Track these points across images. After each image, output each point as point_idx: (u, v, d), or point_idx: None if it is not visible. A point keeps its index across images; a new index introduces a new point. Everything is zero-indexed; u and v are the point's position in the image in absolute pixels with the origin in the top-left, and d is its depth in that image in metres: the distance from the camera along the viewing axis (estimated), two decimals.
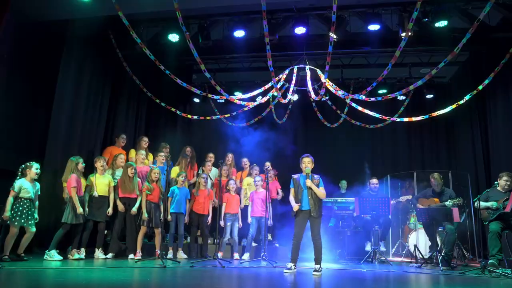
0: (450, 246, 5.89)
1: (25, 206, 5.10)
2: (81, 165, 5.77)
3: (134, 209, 5.99)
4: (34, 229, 5.18)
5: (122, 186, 6.03)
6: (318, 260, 4.77)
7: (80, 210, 5.46)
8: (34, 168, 5.25)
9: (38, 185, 5.39)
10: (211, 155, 7.51)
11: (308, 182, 4.85)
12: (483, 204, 5.78)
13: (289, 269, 4.74)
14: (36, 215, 5.27)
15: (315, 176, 4.98)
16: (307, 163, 4.97)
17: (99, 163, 6.02)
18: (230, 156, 7.53)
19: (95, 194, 5.85)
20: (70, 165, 5.74)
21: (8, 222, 4.99)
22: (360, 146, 10.00)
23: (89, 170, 6.76)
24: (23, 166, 5.27)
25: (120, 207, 5.96)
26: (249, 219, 6.47)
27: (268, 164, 7.32)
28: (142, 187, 6.11)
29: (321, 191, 4.91)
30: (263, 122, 9.05)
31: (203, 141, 10.46)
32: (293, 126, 10.01)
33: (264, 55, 5.95)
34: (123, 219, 6.04)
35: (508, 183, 5.79)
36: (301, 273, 4.76)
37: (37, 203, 5.35)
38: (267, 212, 6.22)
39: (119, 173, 6.31)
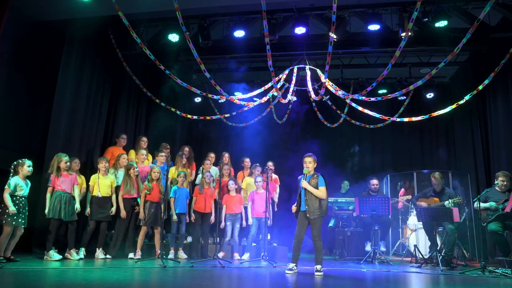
0: (450, 246, 5.88)
1: (21, 205, 4.93)
2: (63, 164, 5.54)
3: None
4: (23, 226, 4.96)
5: (125, 187, 6.03)
6: (318, 261, 4.70)
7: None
8: (27, 166, 5.05)
9: (29, 183, 5.16)
10: (212, 155, 7.51)
11: (304, 183, 4.80)
12: (482, 205, 5.77)
13: (290, 269, 4.72)
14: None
15: (315, 175, 4.90)
16: (308, 163, 4.92)
17: (101, 164, 5.99)
18: (226, 156, 7.52)
19: (98, 194, 5.83)
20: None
21: (4, 222, 4.77)
22: (360, 146, 9.99)
23: (89, 170, 6.78)
24: (15, 163, 5.05)
25: (122, 213, 5.92)
26: (250, 220, 6.46)
27: (270, 164, 7.31)
28: (141, 186, 6.10)
29: (318, 191, 4.74)
30: (263, 122, 9.04)
31: (203, 141, 10.46)
32: (293, 126, 10.02)
33: (264, 55, 5.95)
34: (125, 220, 6.02)
35: (505, 182, 5.79)
36: (302, 274, 4.75)
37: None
38: (267, 212, 6.22)
39: (122, 173, 6.30)
